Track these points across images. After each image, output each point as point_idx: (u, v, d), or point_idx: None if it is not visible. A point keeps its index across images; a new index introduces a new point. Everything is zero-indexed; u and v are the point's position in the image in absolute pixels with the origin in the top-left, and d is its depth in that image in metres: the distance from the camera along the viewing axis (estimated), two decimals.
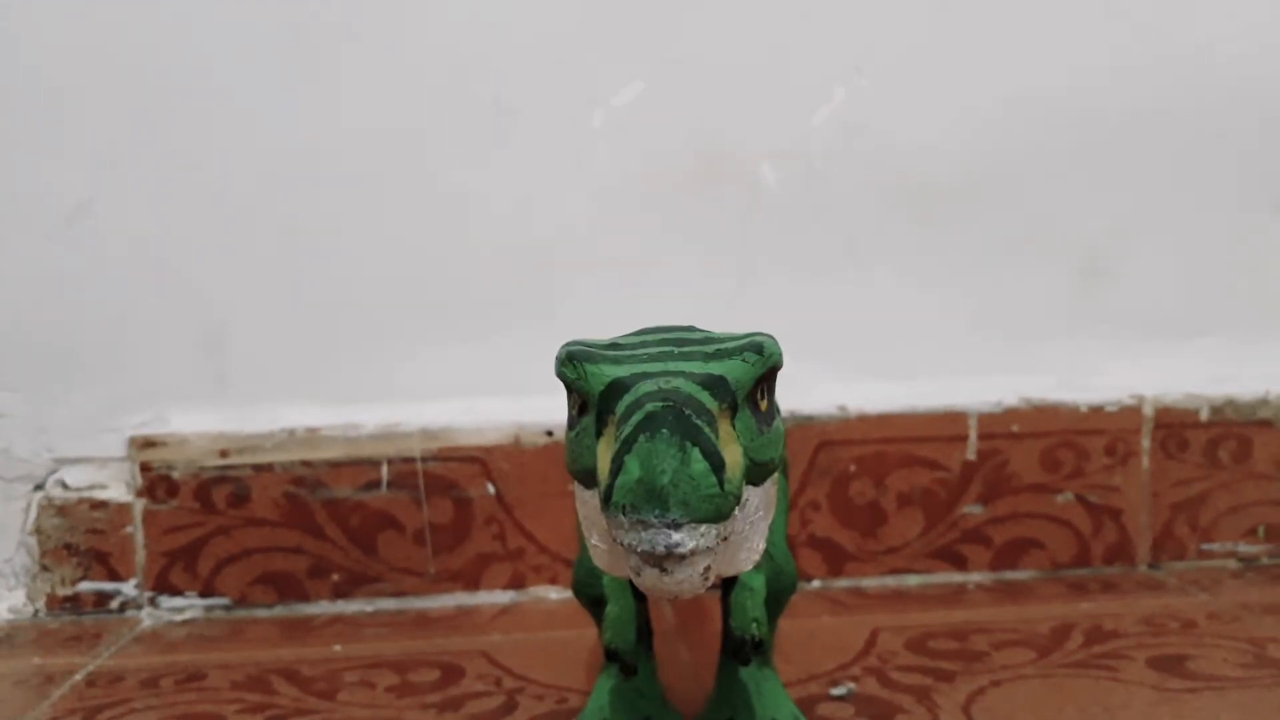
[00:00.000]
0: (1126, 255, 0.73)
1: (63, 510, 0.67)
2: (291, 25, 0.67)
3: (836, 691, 0.52)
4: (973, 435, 0.70)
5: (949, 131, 0.71)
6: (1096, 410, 0.70)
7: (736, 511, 0.31)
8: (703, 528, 0.30)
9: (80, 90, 0.66)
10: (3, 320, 0.67)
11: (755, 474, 0.33)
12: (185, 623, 0.66)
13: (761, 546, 0.35)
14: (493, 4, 0.68)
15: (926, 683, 0.53)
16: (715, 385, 0.32)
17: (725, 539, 0.31)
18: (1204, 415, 0.71)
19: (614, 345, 0.36)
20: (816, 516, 0.70)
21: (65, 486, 0.68)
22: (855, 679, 0.54)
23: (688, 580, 0.30)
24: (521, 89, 0.69)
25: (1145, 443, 0.71)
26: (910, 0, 0.70)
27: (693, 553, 0.30)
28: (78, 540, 0.67)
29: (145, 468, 0.67)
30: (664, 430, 0.30)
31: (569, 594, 0.69)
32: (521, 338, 0.69)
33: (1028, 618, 0.62)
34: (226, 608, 0.68)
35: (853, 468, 0.69)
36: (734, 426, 0.32)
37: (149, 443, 0.67)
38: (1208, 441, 0.71)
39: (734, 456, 0.31)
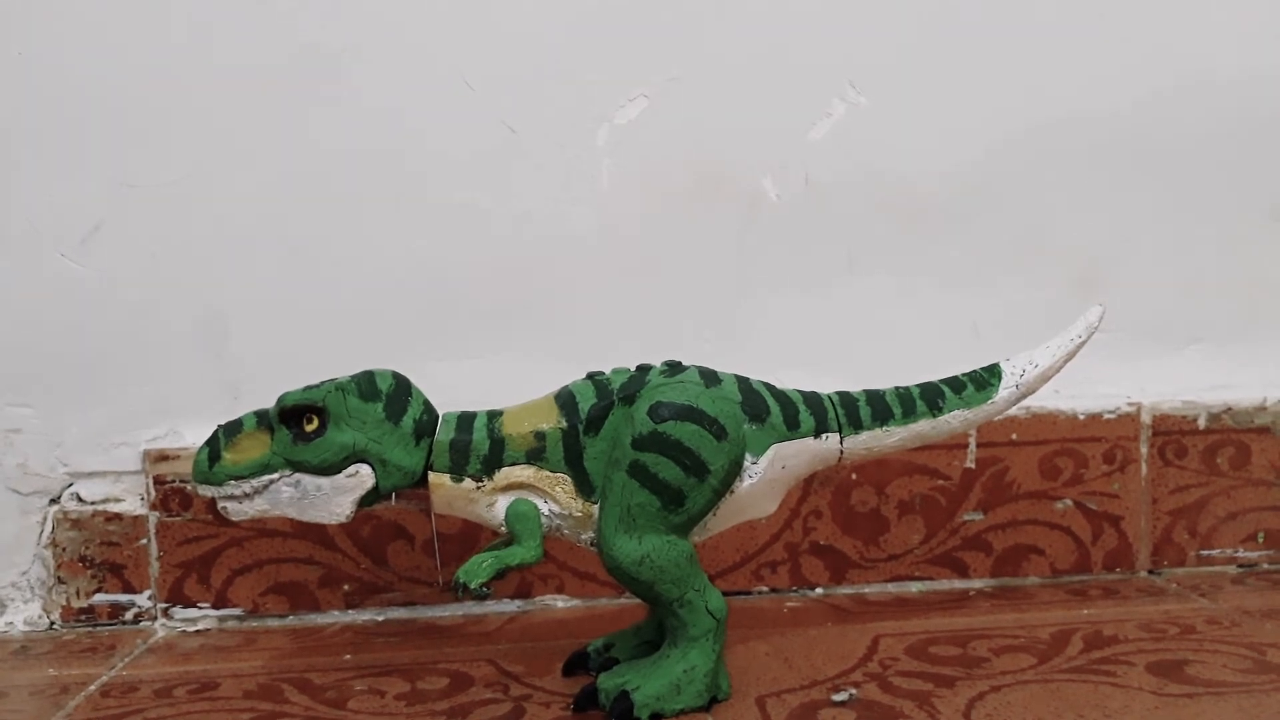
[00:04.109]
0: (1123, 263, 0.74)
1: (78, 523, 0.68)
2: (300, 47, 0.68)
3: (839, 697, 0.53)
4: (972, 443, 0.70)
5: (945, 144, 0.72)
6: (1095, 418, 0.71)
7: (241, 485, 0.51)
8: (202, 488, 0.52)
9: (95, 115, 0.68)
10: (18, 336, 0.69)
11: (305, 468, 0.51)
12: (198, 633, 0.67)
13: (340, 513, 0.52)
14: (497, 23, 0.69)
15: (928, 688, 0.54)
16: (262, 412, 0.52)
17: (240, 495, 0.51)
18: (1202, 422, 0.72)
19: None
20: (819, 524, 0.70)
21: (80, 500, 0.69)
22: (857, 685, 0.55)
23: (237, 512, 0.52)
24: (527, 106, 0.70)
25: (1144, 450, 0.72)
26: (905, 16, 0.71)
27: (212, 499, 0.52)
28: (93, 553, 0.68)
29: (159, 481, 0.68)
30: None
31: (576, 601, 0.70)
32: (525, 351, 0.70)
33: (1028, 623, 0.63)
34: (239, 618, 0.69)
35: (854, 476, 0.70)
36: (271, 437, 0.51)
37: (162, 456, 0.68)
38: (1206, 448, 0.72)
39: (244, 454, 0.51)
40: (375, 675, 0.59)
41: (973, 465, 0.71)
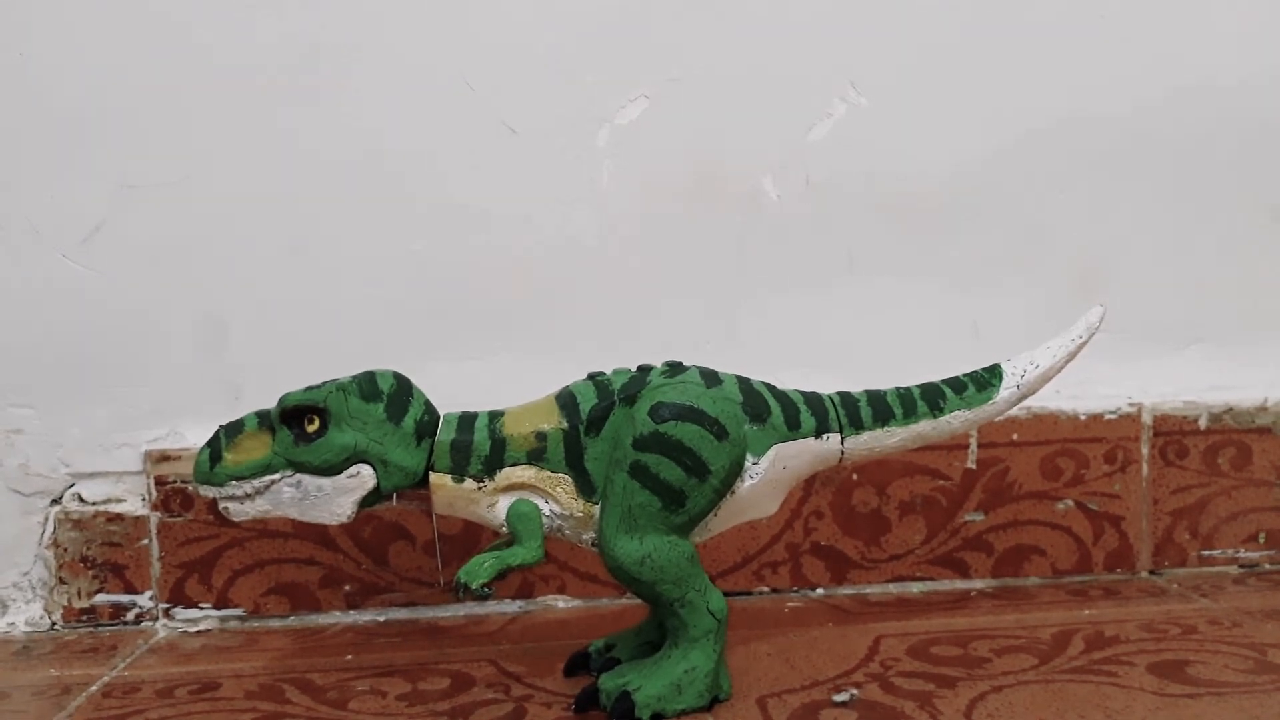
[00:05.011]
0: (1124, 264, 0.74)
1: (79, 524, 0.68)
2: (301, 47, 0.68)
3: (840, 698, 0.53)
4: (973, 444, 0.70)
5: (946, 145, 0.72)
6: (1096, 418, 0.71)
7: (243, 486, 0.51)
8: (203, 488, 0.52)
9: (95, 115, 0.68)
10: (20, 337, 0.69)
11: (307, 469, 0.51)
12: (200, 634, 0.68)
13: (341, 513, 0.52)
14: (499, 24, 0.69)
15: (929, 689, 0.54)
16: (263, 413, 0.52)
17: (241, 496, 0.51)
18: (1203, 422, 0.72)
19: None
20: (820, 525, 0.70)
21: (82, 500, 0.69)
22: (858, 685, 0.55)
23: (239, 512, 0.52)
24: (528, 108, 0.70)
25: (1145, 450, 0.72)
26: (906, 17, 0.71)
27: (213, 500, 0.52)
28: (94, 553, 0.69)
29: (160, 481, 0.68)
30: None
31: (577, 602, 0.70)
32: (526, 352, 0.70)
33: (1029, 624, 0.63)
34: (241, 618, 0.69)
35: (855, 476, 0.70)
36: (272, 438, 0.51)
37: (164, 457, 0.68)
38: (1207, 448, 0.72)
39: (246, 454, 0.51)
40: (377, 676, 0.59)
41: (974, 466, 0.71)
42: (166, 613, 0.69)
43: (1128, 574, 0.72)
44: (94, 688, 0.59)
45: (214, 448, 0.51)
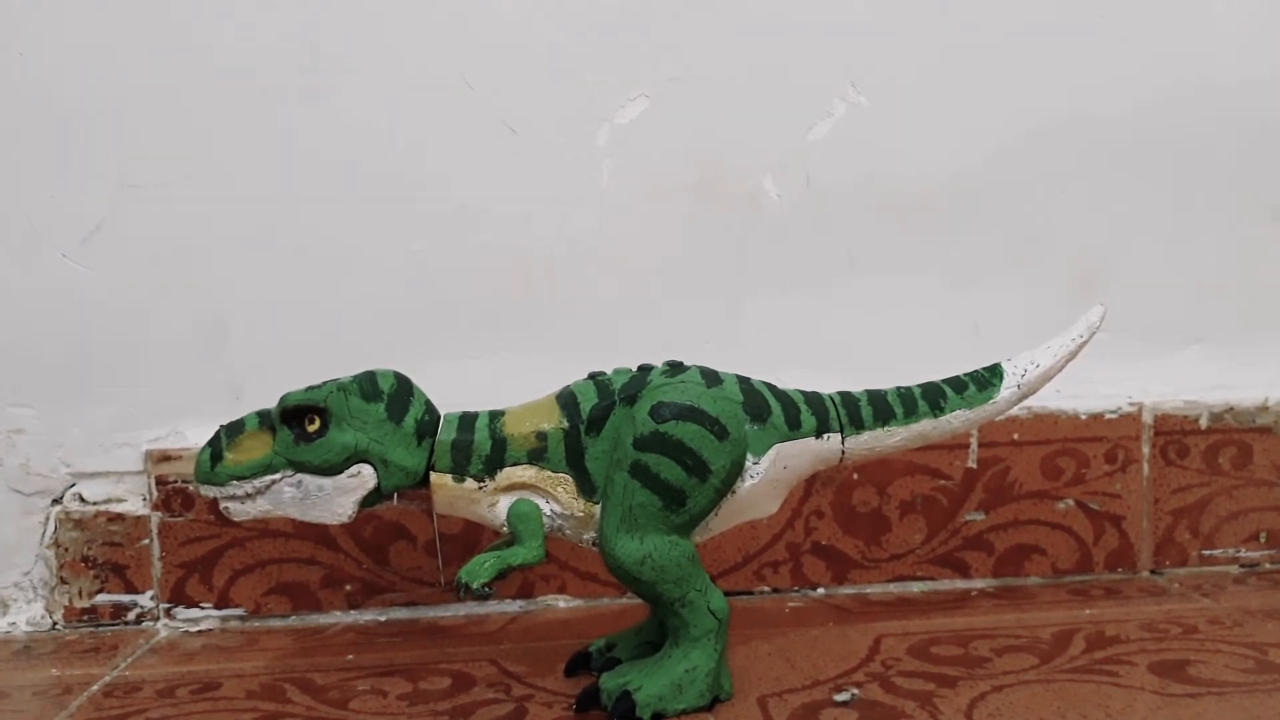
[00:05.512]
0: (1124, 263, 0.74)
1: (80, 523, 0.68)
2: (301, 47, 0.68)
3: (840, 697, 0.53)
4: (974, 443, 0.70)
5: (946, 144, 0.72)
6: (1096, 418, 0.71)
7: (244, 485, 0.51)
8: (204, 488, 0.52)
9: (95, 115, 0.68)
10: (20, 337, 0.69)
11: (307, 469, 0.51)
12: (201, 633, 0.68)
13: (342, 513, 0.52)
14: (499, 24, 0.69)
15: (929, 688, 0.54)
16: (264, 413, 0.52)
17: (242, 496, 0.51)
18: (1203, 422, 0.72)
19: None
20: (821, 524, 0.71)
21: (83, 500, 0.69)
22: (859, 685, 0.55)
23: (239, 512, 0.52)
24: (528, 108, 0.70)
25: (1145, 449, 0.72)
26: (907, 16, 0.71)
27: (214, 500, 0.52)
28: (95, 553, 0.69)
29: (161, 481, 0.68)
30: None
31: (578, 602, 0.70)
32: (526, 351, 0.70)
33: (1030, 623, 0.63)
34: (241, 618, 0.69)
35: (856, 476, 0.70)
36: (273, 437, 0.51)
37: (165, 456, 0.68)
38: (1208, 448, 0.72)
39: (246, 454, 0.51)
40: (377, 675, 0.59)
41: (974, 465, 0.71)
42: (167, 612, 0.69)
43: (1128, 573, 0.72)
44: (95, 687, 0.59)
45: (215, 447, 0.52)
